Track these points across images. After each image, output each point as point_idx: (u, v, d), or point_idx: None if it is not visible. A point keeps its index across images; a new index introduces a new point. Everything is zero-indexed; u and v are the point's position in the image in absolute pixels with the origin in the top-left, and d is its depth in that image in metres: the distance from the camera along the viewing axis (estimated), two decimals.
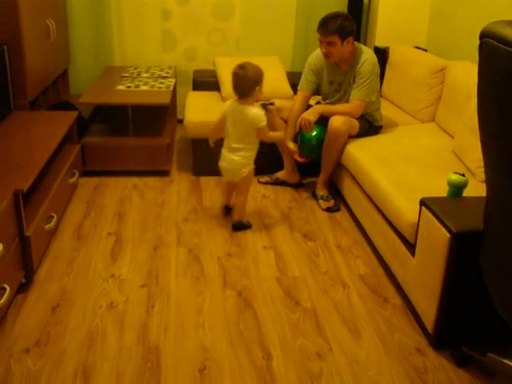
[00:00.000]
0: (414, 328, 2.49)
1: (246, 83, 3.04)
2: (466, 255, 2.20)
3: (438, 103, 3.80)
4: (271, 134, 3.18)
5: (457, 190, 2.52)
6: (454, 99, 3.53)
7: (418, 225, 2.48)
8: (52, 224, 2.89)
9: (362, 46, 3.52)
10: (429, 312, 2.37)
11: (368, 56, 3.46)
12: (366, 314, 2.58)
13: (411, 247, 2.56)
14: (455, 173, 2.53)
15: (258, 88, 3.05)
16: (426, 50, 4.39)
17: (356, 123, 3.49)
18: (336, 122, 3.40)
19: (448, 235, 2.20)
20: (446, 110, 3.66)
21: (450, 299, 2.28)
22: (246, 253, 3.03)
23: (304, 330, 2.45)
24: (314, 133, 3.49)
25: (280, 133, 3.36)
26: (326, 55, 3.45)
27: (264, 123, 3.07)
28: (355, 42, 3.47)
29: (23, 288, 2.64)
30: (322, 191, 3.64)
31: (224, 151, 3.20)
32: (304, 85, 3.70)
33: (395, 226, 2.71)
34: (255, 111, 3.05)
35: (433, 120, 3.85)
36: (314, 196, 3.68)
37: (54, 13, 4.08)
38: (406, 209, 2.61)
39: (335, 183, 3.77)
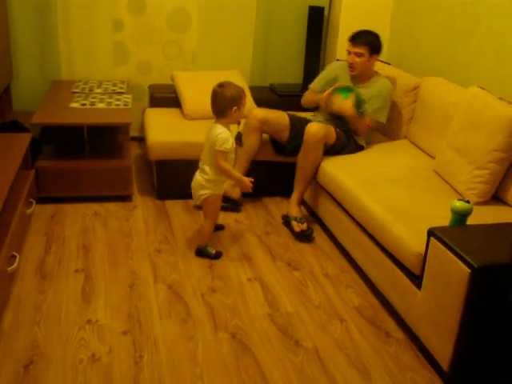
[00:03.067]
0: (424, 365, 2.36)
1: (222, 102, 2.83)
2: (488, 291, 2.08)
3: (409, 122, 3.71)
4: (226, 165, 2.86)
5: (461, 217, 2.40)
6: (430, 117, 3.45)
7: (424, 256, 2.35)
8: (15, 265, 2.55)
9: (382, 75, 3.63)
10: (443, 349, 2.23)
11: (387, 81, 3.58)
12: (372, 352, 2.41)
13: (416, 279, 2.42)
14: (459, 200, 2.41)
15: (234, 109, 2.84)
16: (389, 64, 4.31)
17: (332, 130, 3.41)
18: (313, 127, 3.30)
19: (468, 270, 2.06)
20: (419, 127, 3.57)
21: (468, 337, 2.15)
22: (230, 287, 2.80)
23: (311, 374, 2.26)
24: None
25: (237, 174, 2.96)
26: (352, 66, 3.52)
27: (220, 148, 2.81)
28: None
29: None
30: (295, 212, 3.43)
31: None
32: (316, 85, 3.73)
33: (395, 256, 2.56)
34: (219, 132, 2.83)
35: (405, 137, 3.76)
36: (286, 218, 3.48)
37: None
38: (409, 239, 2.47)
39: (309, 204, 3.61)
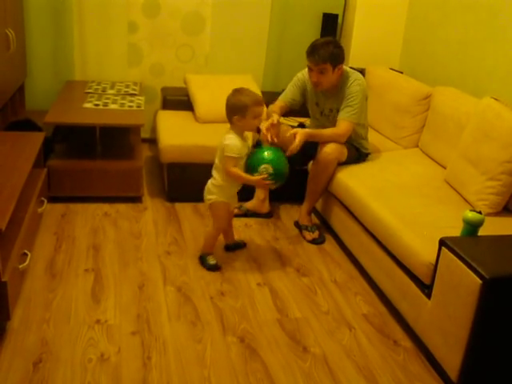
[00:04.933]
0: (432, 375, 2.35)
1: (226, 109, 2.81)
2: (500, 303, 2.07)
3: (421, 130, 3.72)
4: (234, 170, 2.78)
5: (473, 228, 2.40)
6: (442, 126, 3.45)
7: (435, 266, 2.35)
8: (26, 263, 2.57)
9: (349, 69, 3.37)
10: (452, 360, 2.23)
11: (356, 77, 3.30)
12: (379, 360, 2.41)
13: (426, 288, 2.42)
14: (471, 210, 2.41)
15: (235, 117, 2.75)
16: (401, 72, 4.32)
17: (345, 150, 3.33)
18: (326, 149, 3.24)
19: (479, 281, 2.06)
20: (431, 136, 3.58)
21: (478, 348, 2.15)
22: (239, 291, 2.81)
23: (318, 380, 2.26)
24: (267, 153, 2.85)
25: (248, 176, 2.82)
26: (316, 84, 3.26)
27: (227, 154, 2.75)
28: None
29: None
30: (306, 221, 3.45)
31: None
32: (285, 96, 3.51)
33: (405, 264, 2.56)
34: (227, 137, 2.78)
35: (416, 146, 3.76)
36: (297, 226, 3.50)
37: (12, 22, 3.73)
38: (420, 248, 2.47)
39: (320, 212, 3.61)
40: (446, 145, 3.37)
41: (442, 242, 2.30)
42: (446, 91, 3.57)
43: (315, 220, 3.61)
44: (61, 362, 2.23)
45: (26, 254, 2.60)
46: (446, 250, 2.26)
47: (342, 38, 4.66)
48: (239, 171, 2.82)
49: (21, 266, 2.51)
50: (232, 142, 2.77)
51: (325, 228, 3.53)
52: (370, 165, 3.44)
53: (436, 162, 3.49)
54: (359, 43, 4.53)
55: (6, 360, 2.21)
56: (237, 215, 3.50)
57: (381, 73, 4.15)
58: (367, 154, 3.51)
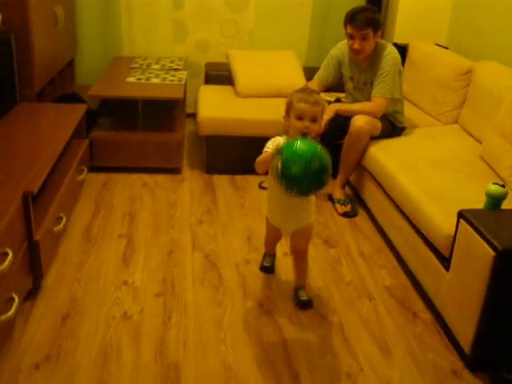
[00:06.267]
0: (447, 347, 2.35)
1: None
2: (511, 274, 2.05)
3: (462, 106, 3.64)
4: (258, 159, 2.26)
5: (496, 201, 2.36)
6: (482, 101, 3.37)
7: (454, 238, 2.33)
8: (61, 226, 2.72)
9: (384, 42, 3.35)
10: (466, 332, 2.22)
11: (390, 51, 3.30)
12: (396, 331, 2.43)
13: (445, 261, 2.41)
14: (494, 183, 2.37)
15: (284, 116, 2.35)
16: (447, 48, 4.22)
17: (379, 124, 3.32)
18: (359, 122, 3.24)
19: (492, 253, 2.05)
20: (471, 112, 3.50)
21: (490, 320, 2.14)
22: None
23: (332, 346, 2.30)
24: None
25: (269, 151, 2.22)
26: (359, 51, 3.24)
27: (265, 149, 2.26)
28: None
29: (31, 295, 2.47)
30: (338, 195, 3.48)
31: None
32: (320, 73, 3.57)
33: (427, 236, 2.56)
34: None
35: (456, 122, 3.69)
36: (331, 199, 3.52)
37: (63, 0, 3.88)
38: (441, 220, 2.46)
39: (354, 185, 3.62)
40: (485, 120, 3.30)
41: (461, 215, 2.28)
42: (488, 65, 3.49)
43: (349, 194, 3.62)
44: (86, 318, 2.37)
45: (61, 218, 2.75)
46: (464, 222, 2.25)
47: (387, 13, 4.60)
48: (261, 156, 2.27)
49: (55, 229, 2.66)
50: (272, 139, 2.30)
51: (358, 202, 3.53)
52: (404, 139, 3.41)
53: (474, 138, 3.42)
54: (405, 18, 4.44)
55: (38, 313, 2.38)
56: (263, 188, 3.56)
57: (424, 48, 4.08)
58: (403, 129, 3.48)
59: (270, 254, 2.83)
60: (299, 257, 2.57)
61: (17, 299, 2.18)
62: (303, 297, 2.55)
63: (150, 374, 2.10)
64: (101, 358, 2.16)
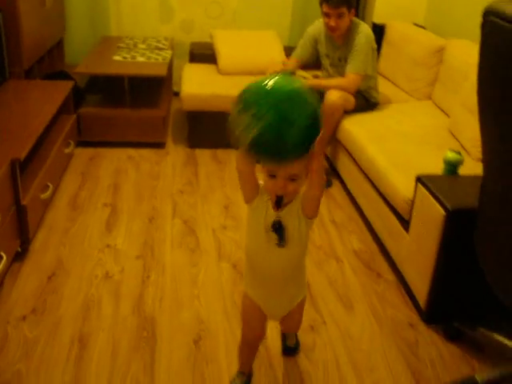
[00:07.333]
0: (406, 303, 2.53)
1: None
2: (461, 233, 2.22)
3: (434, 83, 3.80)
4: None
5: (452, 167, 2.53)
6: (452, 78, 3.53)
7: (413, 201, 2.51)
8: (48, 193, 2.89)
9: (357, 20, 3.50)
10: (421, 288, 2.40)
11: (363, 29, 3.44)
12: (360, 289, 2.61)
13: (406, 223, 2.58)
14: (451, 150, 2.54)
15: None
16: (423, 28, 4.37)
17: (352, 98, 3.48)
18: (332, 96, 3.39)
19: (443, 212, 2.22)
20: (442, 88, 3.66)
21: (442, 275, 2.31)
22: (241, 226, 3.04)
23: None
24: None
25: None
26: (335, 28, 3.38)
27: None
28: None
29: (19, 257, 2.64)
30: None
31: None
32: (297, 51, 3.73)
33: (390, 202, 2.73)
34: None
35: (429, 98, 3.85)
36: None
37: None
38: (402, 185, 2.63)
39: (329, 158, 3.78)
40: (454, 96, 3.45)
41: (419, 179, 2.45)
42: (459, 44, 3.63)
43: (324, 165, 3.78)
44: (71, 277, 2.54)
45: (48, 186, 2.92)
46: (421, 186, 2.41)
47: None
48: None
49: (42, 196, 2.83)
50: None
51: (333, 174, 3.69)
52: (378, 114, 3.57)
53: (445, 113, 3.58)
54: None
55: (25, 273, 2.55)
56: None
57: (400, 27, 4.22)
58: (376, 104, 3.64)
59: (244, 373, 1.97)
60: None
61: (5, 257, 2.35)
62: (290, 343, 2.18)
63: (128, 325, 2.28)
64: (83, 311, 2.34)
